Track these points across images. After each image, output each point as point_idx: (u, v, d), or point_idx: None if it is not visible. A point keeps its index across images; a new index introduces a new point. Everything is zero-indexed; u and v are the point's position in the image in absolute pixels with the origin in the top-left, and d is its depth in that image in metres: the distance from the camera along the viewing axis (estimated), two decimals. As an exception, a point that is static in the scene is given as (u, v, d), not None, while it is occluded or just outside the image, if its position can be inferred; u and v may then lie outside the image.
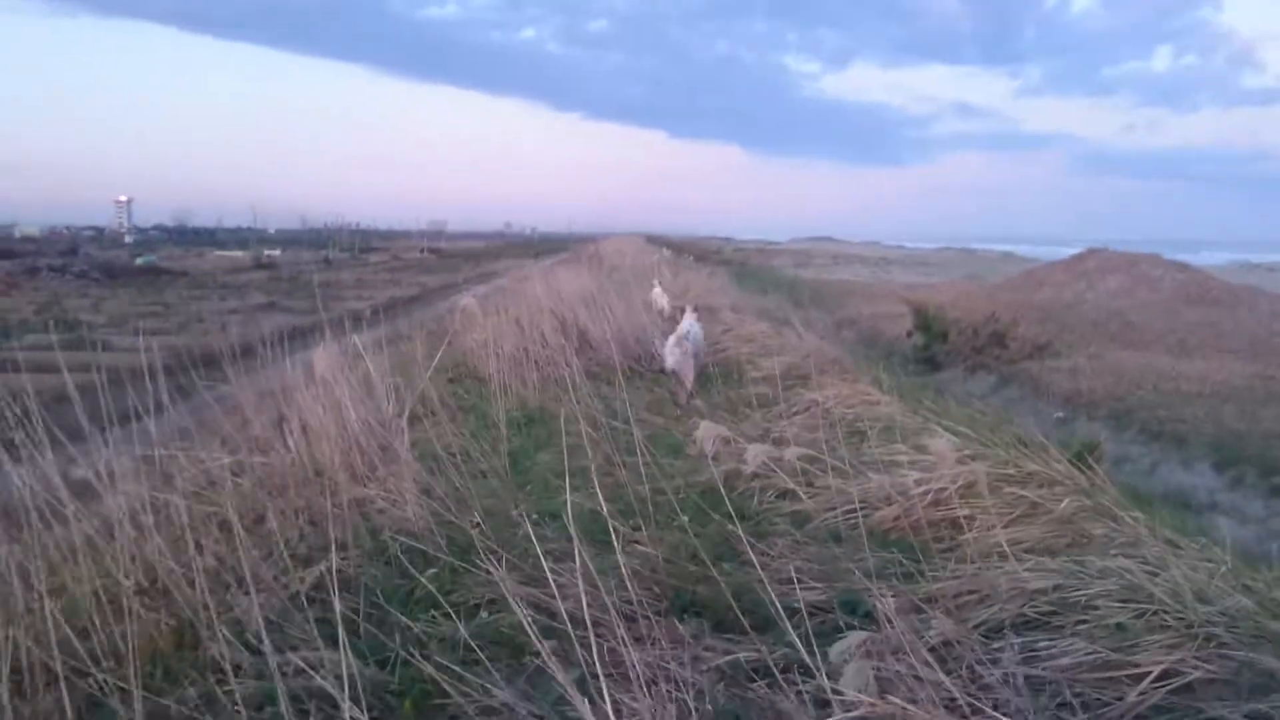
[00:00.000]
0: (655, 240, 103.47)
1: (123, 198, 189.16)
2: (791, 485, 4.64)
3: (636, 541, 4.04)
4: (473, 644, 3.08)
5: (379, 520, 4.55)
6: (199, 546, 3.84)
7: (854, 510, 4.35)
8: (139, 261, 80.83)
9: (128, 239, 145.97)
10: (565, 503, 3.61)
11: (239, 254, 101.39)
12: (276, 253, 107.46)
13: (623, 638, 2.74)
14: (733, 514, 3.78)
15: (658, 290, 13.20)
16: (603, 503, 3.40)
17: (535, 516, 4.47)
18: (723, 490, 4.28)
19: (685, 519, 4.29)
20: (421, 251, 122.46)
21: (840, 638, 3.09)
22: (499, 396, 7.31)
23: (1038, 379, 15.35)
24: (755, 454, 4.70)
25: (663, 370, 8.99)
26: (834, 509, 4.52)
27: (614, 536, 3.26)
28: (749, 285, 29.60)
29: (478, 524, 4.24)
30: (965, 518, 4.20)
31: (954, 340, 17.15)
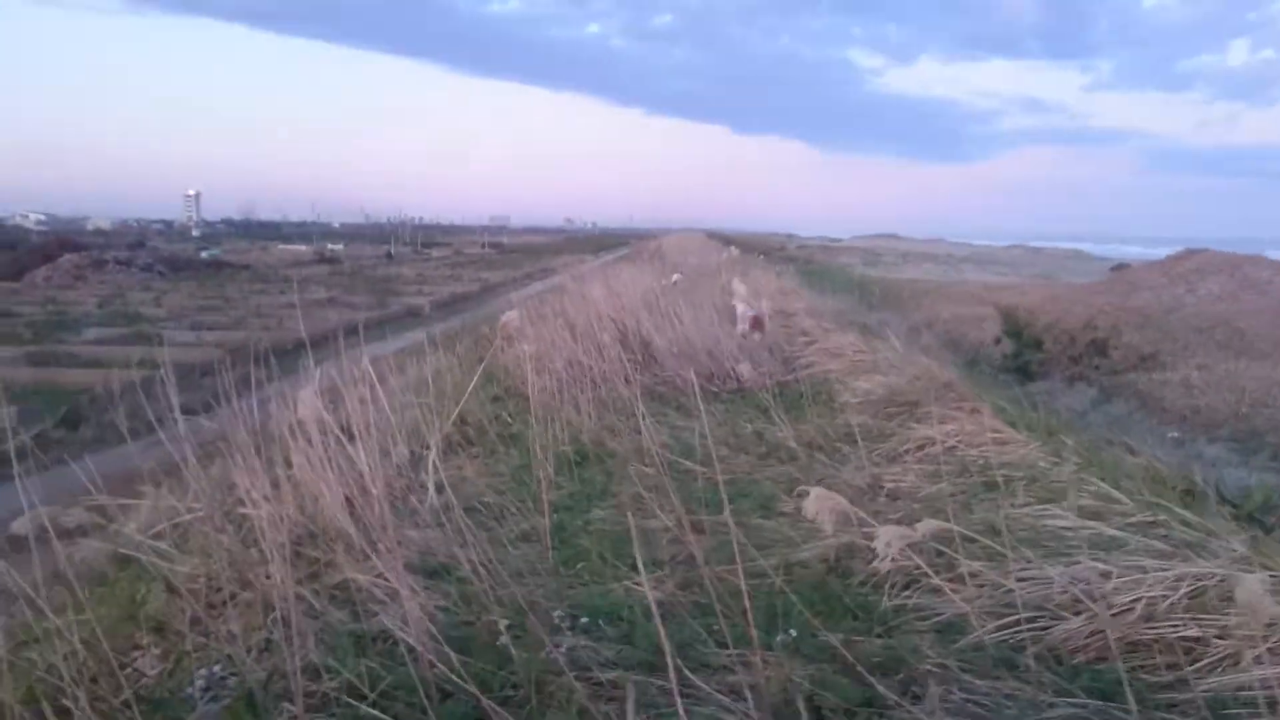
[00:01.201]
0: (716, 236, 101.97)
1: (191, 191, 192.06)
2: (934, 579, 3.43)
3: (728, 669, 2.86)
4: None
5: (367, 622, 3.37)
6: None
7: (1018, 617, 3.13)
8: (204, 255, 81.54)
9: (194, 232, 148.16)
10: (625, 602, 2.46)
11: (302, 248, 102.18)
12: (339, 247, 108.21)
13: None
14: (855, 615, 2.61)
15: (741, 291, 11.87)
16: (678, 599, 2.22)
17: (585, 619, 3.31)
18: (839, 583, 3.11)
19: (792, 634, 3.12)
20: (483, 247, 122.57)
21: None
22: (546, 423, 6.17)
23: (1146, 393, 13.89)
24: (889, 541, 3.50)
25: (741, 389, 7.78)
26: (991, 609, 3.30)
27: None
28: (817, 284, 28.26)
29: (499, 632, 3.05)
30: (1195, 640, 2.97)
31: (1049, 348, 15.72)
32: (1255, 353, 16.79)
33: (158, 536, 4.39)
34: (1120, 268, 76.04)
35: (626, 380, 7.09)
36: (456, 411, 5.90)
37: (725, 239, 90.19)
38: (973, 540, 3.73)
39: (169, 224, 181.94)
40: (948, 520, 3.79)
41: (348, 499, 4.48)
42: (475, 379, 6.43)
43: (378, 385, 5.58)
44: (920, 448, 5.52)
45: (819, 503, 3.86)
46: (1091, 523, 4.08)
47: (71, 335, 36.28)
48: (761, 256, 40.60)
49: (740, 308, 10.08)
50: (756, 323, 9.18)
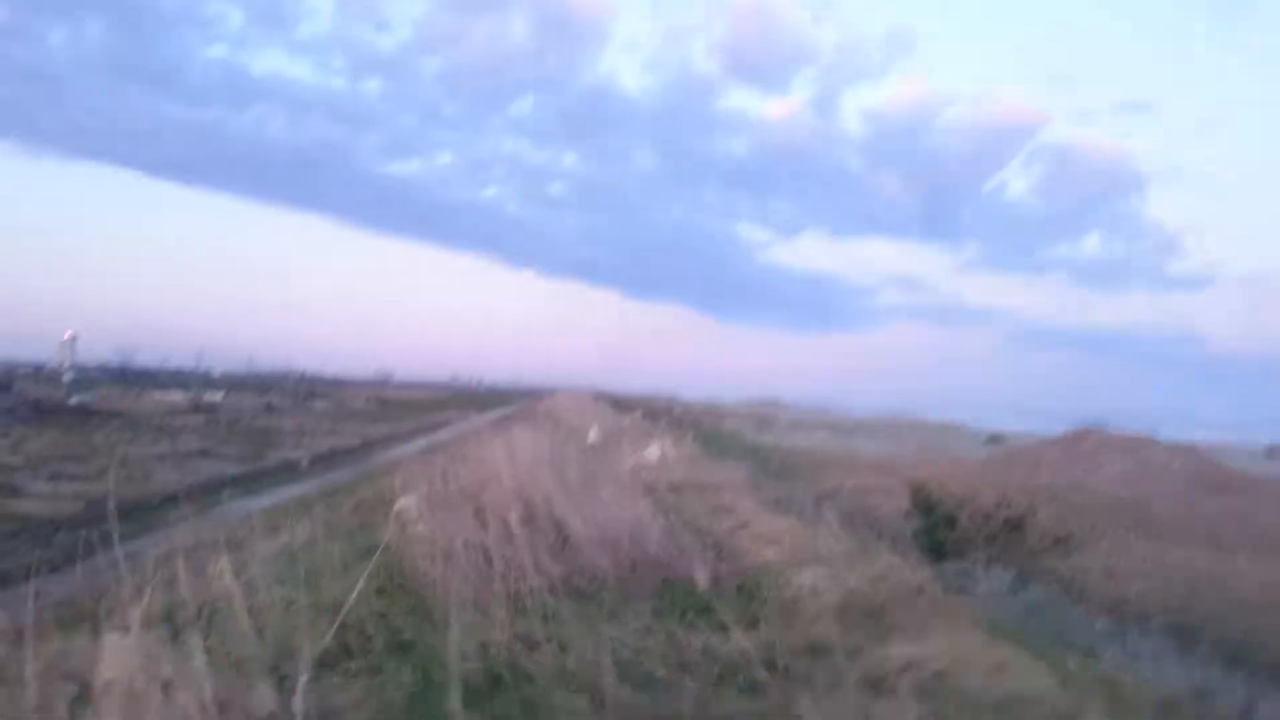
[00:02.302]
0: (602, 396, 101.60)
1: (68, 334, 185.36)
2: None
3: None
4: None
5: None
6: None
7: None
8: (73, 401, 77.98)
9: (66, 377, 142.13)
10: None
11: (178, 396, 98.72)
12: (219, 396, 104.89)
13: None
14: None
15: (654, 450, 10.99)
16: None
17: None
18: None
19: None
20: (367, 400, 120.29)
21: None
22: (444, 628, 5.06)
23: (1067, 578, 13.27)
24: None
25: (669, 580, 6.75)
26: None
27: None
28: (714, 451, 27.63)
29: None
30: None
31: (964, 526, 15.05)
32: (1166, 536, 16.48)
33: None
34: (995, 439, 77.76)
35: (540, 570, 6.03)
36: (336, 622, 4.74)
37: (613, 400, 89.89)
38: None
39: (39, 368, 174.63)
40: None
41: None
42: (362, 575, 5.30)
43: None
44: (905, 669, 4.57)
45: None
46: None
47: (-88, 484, 33.32)
48: (641, 416, 40.00)
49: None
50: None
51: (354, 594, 4.95)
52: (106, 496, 27.25)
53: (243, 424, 67.91)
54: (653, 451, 11.29)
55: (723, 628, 5.42)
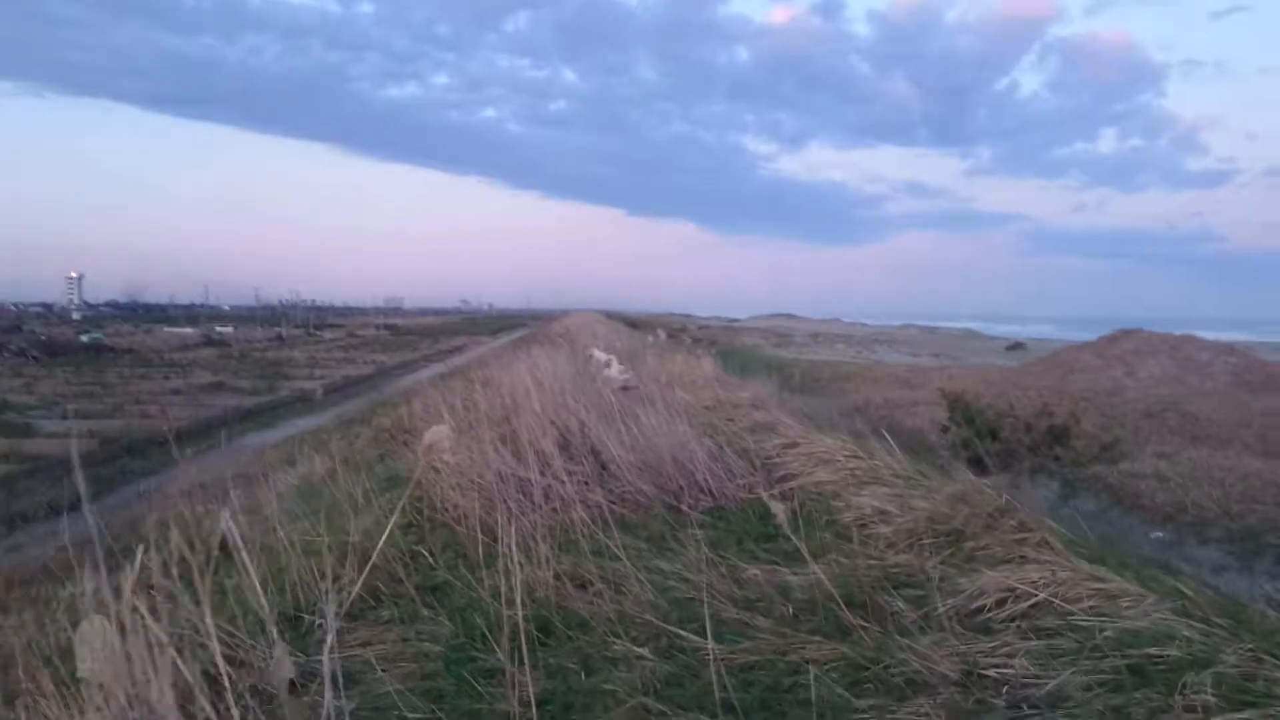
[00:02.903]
0: (614, 317, 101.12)
1: (73, 274, 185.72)
2: None
3: None
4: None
5: None
6: None
7: None
8: (84, 339, 77.99)
9: (76, 315, 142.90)
10: None
11: (189, 331, 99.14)
12: (229, 330, 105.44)
13: None
14: None
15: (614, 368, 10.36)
16: None
17: None
18: None
19: None
20: (378, 329, 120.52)
21: None
22: (484, 566, 4.57)
23: (1117, 487, 12.82)
24: None
25: (718, 508, 6.23)
26: None
27: None
28: (734, 368, 27.12)
29: None
30: None
31: (1006, 437, 14.55)
32: (1213, 440, 15.98)
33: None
34: (1016, 346, 77.22)
35: (584, 501, 5.54)
36: (368, 565, 4.25)
37: (626, 320, 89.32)
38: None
39: (49, 307, 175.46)
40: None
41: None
42: (389, 511, 4.81)
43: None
44: (1000, 604, 4.06)
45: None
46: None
47: (-79, 429, 33.17)
48: (665, 335, 39.31)
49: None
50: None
51: (384, 534, 4.45)
52: (120, 434, 27.11)
53: (254, 356, 68.02)
54: (614, 369, 10.77)
55: (788, 557, 4.92)
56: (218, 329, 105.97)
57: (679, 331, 63.69)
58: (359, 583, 4.28)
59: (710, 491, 6.25)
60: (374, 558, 4.39)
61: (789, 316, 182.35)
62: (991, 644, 3.62)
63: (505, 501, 5.64)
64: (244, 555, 3.53)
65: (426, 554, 5.21)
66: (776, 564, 4.78)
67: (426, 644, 3.91)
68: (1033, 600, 4.04)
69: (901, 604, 4.15)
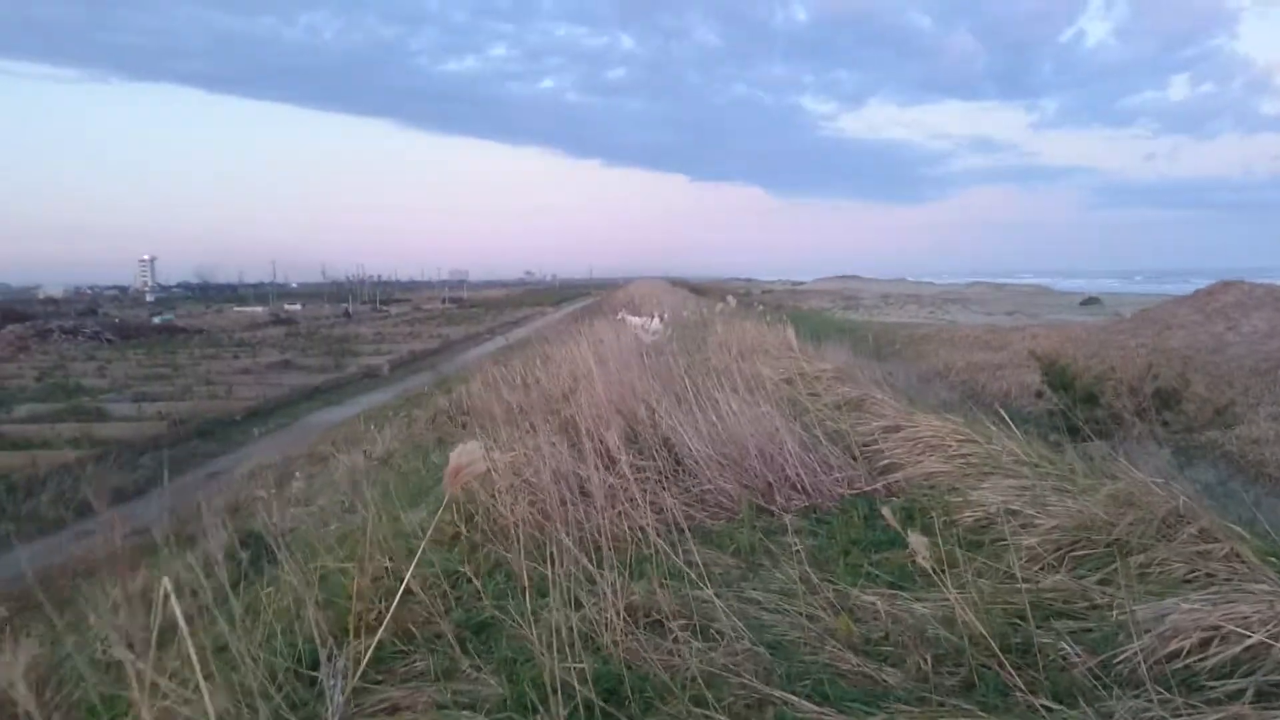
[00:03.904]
0: (678, 284, 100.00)
1: (146, 256, 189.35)
2: None
3: None
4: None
5: None
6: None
7: None
8: (156, 320, 79.09)
9: (149, 297, 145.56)
10: None
11: (258, 309, 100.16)
12: (297, 307, 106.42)
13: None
14: None
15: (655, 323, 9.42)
16: None
17: None
18: None
19: None
20: (443, 302, 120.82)
21: None
22: (536, 595, 3.75)
23: (1237, 455, 11.65)
24: None
25: (811, 506, 5.31)
26: None
27: None
28: (804, 333, 26.07)
29: None
30: None
31: (1109, 402, 13.37)
32: (1338, 398, 14.67)
33: None
34: (1091, 301, 74.74)
35: (655, 507, 4.66)
36: (394, 604, 3.42)
37: (690, 286, 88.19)
38: None
39: (124, 290, 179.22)
40: None
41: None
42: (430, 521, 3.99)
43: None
44: (1203, 645, 3.12)
45: None
46: None
47: (3, 412, 33.46)
48: (734, 301, 38.01)
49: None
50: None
51: (415, 558, 3.62)
52: (190, 416, 26.78)
53: (321, 333, 68.33)
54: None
55: (906, 575, 4.01)
56: (286, 307, 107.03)
57: (744, 296, 62.62)
58: (385, 623, 3.45)
59: (804, 488, 5.32)
60: (403, 587, 3.56)
61: (854, 278, 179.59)
62: (1219, 717, 2.68)
63: (564, 505, 4.79)
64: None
65: (471, 576, 4.38)
66: (897, 587, 3.87)
67: (466, 714, 3.07)
68: (1245, 643, 3.08)
69: (1068, 646, 3.21)
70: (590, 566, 3.88)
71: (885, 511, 3.45)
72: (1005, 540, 4.33)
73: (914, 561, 3.83)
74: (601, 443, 5.41)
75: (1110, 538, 3.98)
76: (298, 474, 18.45)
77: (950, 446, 5.87)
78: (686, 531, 4.25)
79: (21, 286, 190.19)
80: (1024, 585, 3.65)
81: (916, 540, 2.73)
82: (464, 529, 5.26)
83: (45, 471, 25.05)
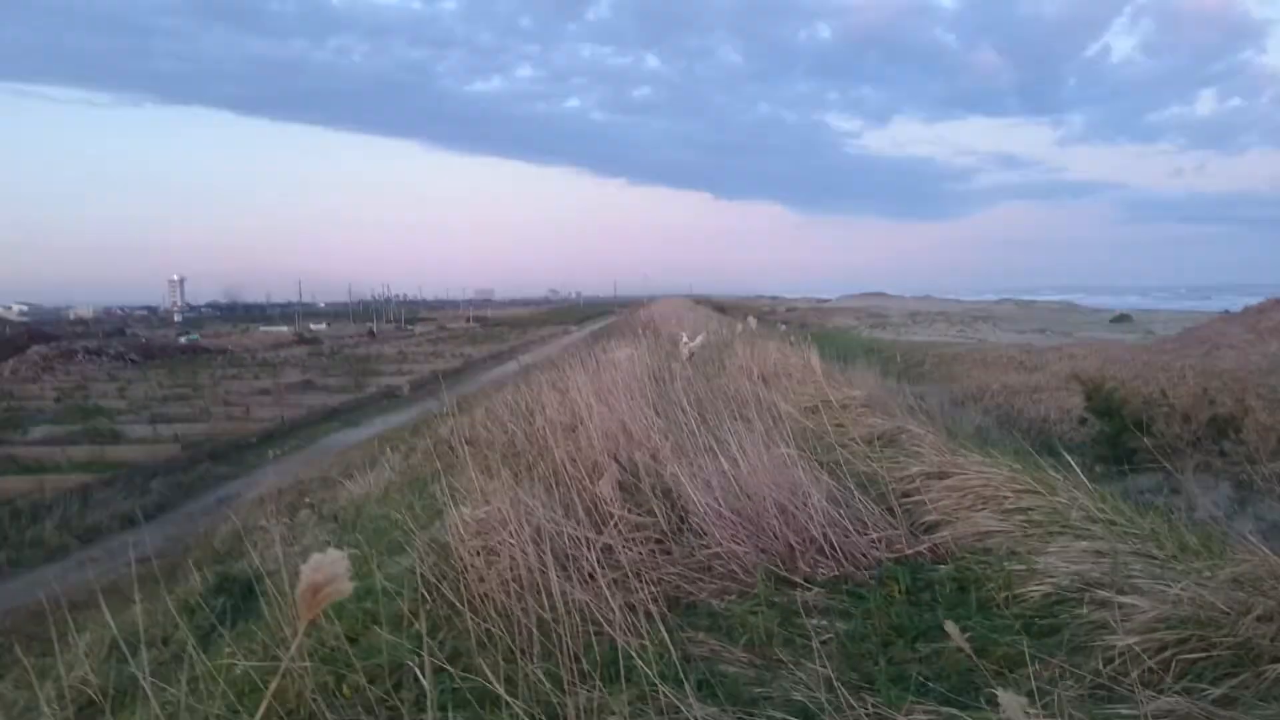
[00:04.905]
0: (702, 302, 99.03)
1: (175, 277, 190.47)
2: None
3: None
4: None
5: None
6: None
7: None
8: (182, 340, 79.15)
9: (177, 318, 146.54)
10: None
11: (283, 329, 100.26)
12: (322, 327, 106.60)
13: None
14: None
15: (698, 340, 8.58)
16: None
17: None
18: None
19: None
20: (468, 321, 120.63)
21: None
22: (507, 701, 2.92)
23: (1305, 488, 10.63)
24: None
25: (841, 575, 4.41)
26: None
27: None
28: (829, 353, 25.12)
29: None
30: None
31: (1161, 429, 12.37)
32: None
33: None
34: (1122, 318, 73.31)
35: (651, 577, 3.80)
36: None
37: (714, 305, 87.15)
38: None
39: (153, 310, 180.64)
40: None
41: None
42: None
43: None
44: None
45: None
46: None
47: (18, 434, 32.98)
48: (756, 321, 36.91)
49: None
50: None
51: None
52: (205, 438, 26.23)
53: (344, 353, 68.14)
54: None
55: (969, 683, 3.13)
56: (311, 326, 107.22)
57: (768, 315, 61.41)
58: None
59: (833, 551, 4.40)
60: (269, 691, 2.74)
61: (880, 295, 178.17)
62: None
63: (544, 572, 3.93)
64: None
65: (419, 674, 3.52)
66: (958, 703, 2.97)
67: None
68: None
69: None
70: (560, 660, 3.03)
71: (950, 628, 2.60)
72: (1087, 623, 3.46)
73: (967, 651, 2.95)
74: (584, 493, 4.56)
75: (1233, 638, 3.07)
76: (308, 499, 17.77)
77: (1005, 497, 4.96)
78: (680, 607, 3.40)
79: (53, 307, 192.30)
80: (1123, 709, 2.76)
81: (1008, 701, 1.85)
82: (431, 597, 4.42)
83: (52, 496, 24.52)
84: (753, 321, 19.73)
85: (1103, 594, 3.73)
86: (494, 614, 4.03)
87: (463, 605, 4.11)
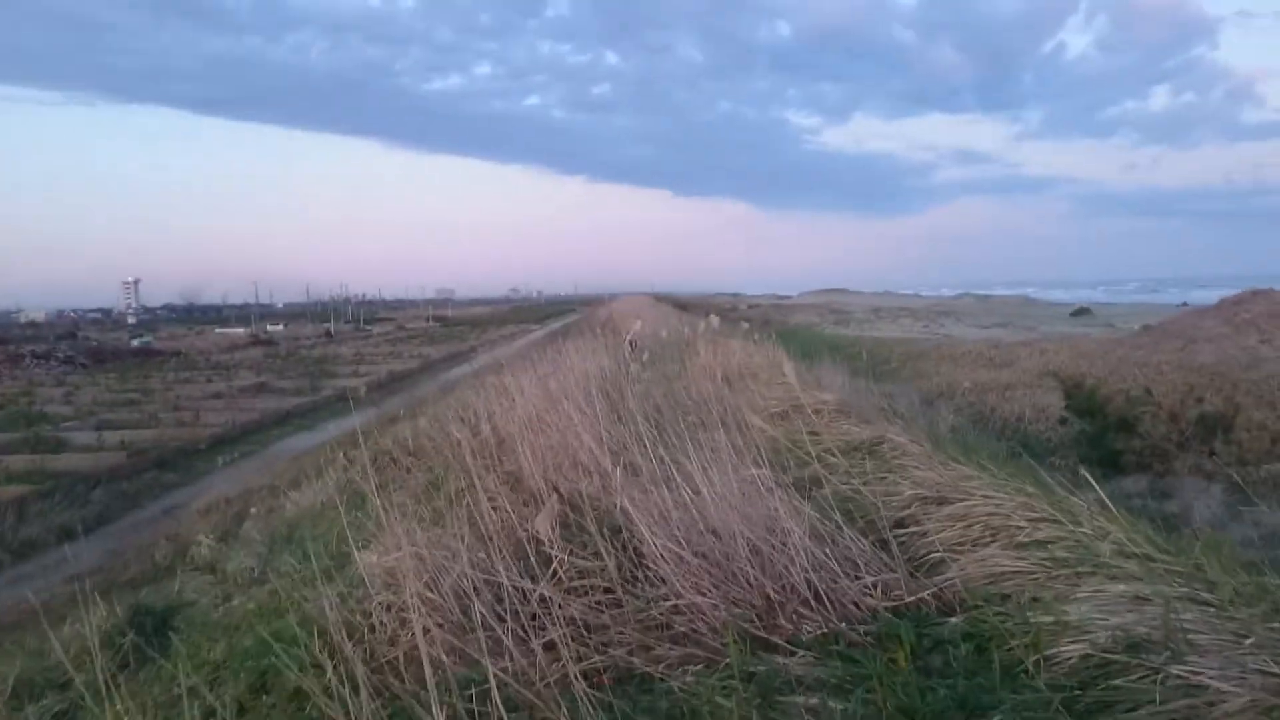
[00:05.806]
0: (663, 299, 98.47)
1: (129, 279, 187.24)
2: None
3: None
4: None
5: None
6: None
7: None
8: (135, 343, 77.38)
9: (131, 320, 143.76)
10: None
11: (239, 331, 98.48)
12: (279, 328, 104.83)
13: None
14: None
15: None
16: None
17: None
18: None
19: None
20: (428, 320, 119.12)
21: None
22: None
23: (1302, 490, 10.04)
24: None
25: (830, 633, 3.63)
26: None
27: None
28: (793, 351, 24.46)
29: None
30: None
31: (1147, 430, 11.71)
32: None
33: None
34: (1082, 311, 73.53)
35: (589, 635, 3.01)
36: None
37: (675, 302, 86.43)
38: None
39: (107, 313, 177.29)
40: None
41: None
42: None
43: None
44: None
45: None
46: None
47: (-49, 445, 31.57)
48: (718, 320, 36.18)
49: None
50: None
51: None
52: (152, 445, 25.08)
53: (301, 354, 66.81)
54: (637, 326, 8.70)
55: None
56: (268, 328, 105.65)
57: (730, 312, 60.82)
58: None
59: (819, 601, 3.61)
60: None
61: (840, 291, 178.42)
62: None
63: (462, 638, 3.13)
64: None
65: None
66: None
67: None
68: None
69: None
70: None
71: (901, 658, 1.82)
72: (1145, 699, 2.71)
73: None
74: (509, 533, 3.75)
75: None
76: (253, 510, 16.86)
77: (1019, 527, 4.18)
78: (631, 682, 2.61)
79: (2, 310, 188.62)
80: None
81: None
82: (347, 644, 3.60)
83: (-18, 511, 23.30)
84: (715, 320, 18.97)
85: (1155, 659, 2.98)
86: (407, 686, 3.26)
87: (369, 674, 3.30)
